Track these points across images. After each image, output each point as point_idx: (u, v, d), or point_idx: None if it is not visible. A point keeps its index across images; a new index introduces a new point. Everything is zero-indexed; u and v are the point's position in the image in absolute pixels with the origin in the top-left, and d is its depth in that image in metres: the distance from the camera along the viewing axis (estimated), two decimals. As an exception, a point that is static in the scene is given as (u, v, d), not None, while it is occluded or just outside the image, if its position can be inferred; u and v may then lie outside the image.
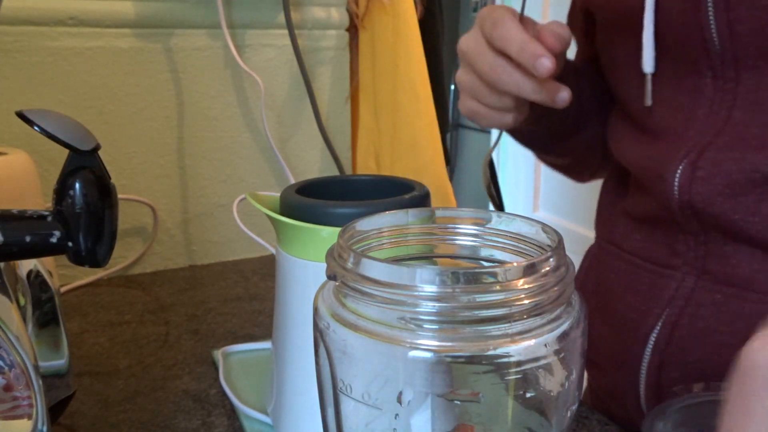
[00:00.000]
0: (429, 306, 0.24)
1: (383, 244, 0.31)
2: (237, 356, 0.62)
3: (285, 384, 0.47)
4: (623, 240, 0.52)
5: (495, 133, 2.62)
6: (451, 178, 1.27)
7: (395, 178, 0.51)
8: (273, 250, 0.71)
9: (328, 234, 0.43)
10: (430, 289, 0.24)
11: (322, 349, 0.27)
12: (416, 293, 0.24)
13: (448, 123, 2.76)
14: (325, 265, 0.43)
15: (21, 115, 0.37)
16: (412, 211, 0.32)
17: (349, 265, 0.26)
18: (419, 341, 0.24)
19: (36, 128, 0.36)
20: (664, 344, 0.46)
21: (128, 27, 0.82)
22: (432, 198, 0.47)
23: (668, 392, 0.46)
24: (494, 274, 0.24)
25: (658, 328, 0.47)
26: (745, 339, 0.42)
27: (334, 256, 0.27)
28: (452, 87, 3.47)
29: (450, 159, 2.92)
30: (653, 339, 0.47)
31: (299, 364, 0.46)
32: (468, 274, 0.24)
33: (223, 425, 0.51)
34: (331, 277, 0.27)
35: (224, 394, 0.55)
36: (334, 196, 0.46)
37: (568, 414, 0.27)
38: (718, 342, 0.44)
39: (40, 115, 0.37)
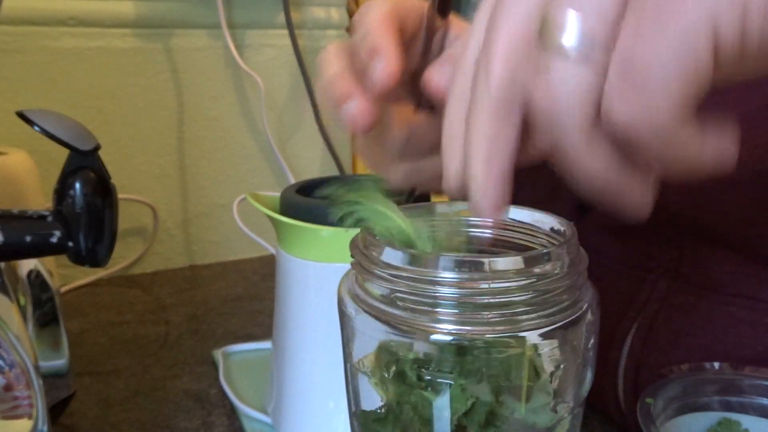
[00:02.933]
0: (449, 292, 0.25)
1: None
2: (237, 356, 0.62)
3: (285, 384, 0.47)
4: (600, 247, 0.51)
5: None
6: (451, 178, 1.27)
7: (395, 178, 0.51)
8: (273, 250, 0.71)
9: (328, 234, 0.43)
10: (450, 275, 0.25)
11: (347, 334, 0.29)
12: (437, 280, 0.25)
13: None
14: (325, 264, 0.44)
15: (21, 115, 0.37)
16: (429, 205, 0.33)
17: (373, 253, 0.27)
18: (439, 326, 0.25)
19: (36, 128, 0.36)
20: (640, 347, 0.46)
21: (128, 27, 0.82)
22: (432, 198, 0.47)
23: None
24: (510, 262, 0.25)
25: (633, 331, 0.46)
26: (717, 340, 0.43)
27: (358, 244, 0.28)
28: (452, 87, 3.48)
29: (450, 159, 2.91)
30: (629, 342, 0.47)
31: (299, 364, 0.46)
32: (485, 262, 0.25)
33: (223, 425, 0.51)
34: (355, 264, 0.28)
35: (224, 394, 0.55)
36: (334, 196, 0.46)
37: (577, 402, 0.28)
38: (692, 344, 0.44)
39: (40, 115, 0.37)
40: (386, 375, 0.27)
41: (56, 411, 0.48)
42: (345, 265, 0.44)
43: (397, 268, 0.26)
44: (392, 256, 0.26)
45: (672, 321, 0.45)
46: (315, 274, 0.44)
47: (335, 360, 0.44)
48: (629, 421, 0.48)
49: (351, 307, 0.28)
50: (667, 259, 0.45)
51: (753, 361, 0.41)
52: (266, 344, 0.61)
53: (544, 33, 0.22)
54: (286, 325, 0.47)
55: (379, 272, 0.26)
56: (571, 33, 0.22)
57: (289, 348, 0.47)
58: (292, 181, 0.92)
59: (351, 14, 0.97)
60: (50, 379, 0.46)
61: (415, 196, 0.37)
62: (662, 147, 0.22)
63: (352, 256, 0.28)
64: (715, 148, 0.23)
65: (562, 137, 0.23)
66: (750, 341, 0.42)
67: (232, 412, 0.53)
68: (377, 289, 0.27)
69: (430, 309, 0.25)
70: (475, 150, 0.25)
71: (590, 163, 0.23)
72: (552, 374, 0.27)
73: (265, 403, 0.51)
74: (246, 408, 0.52)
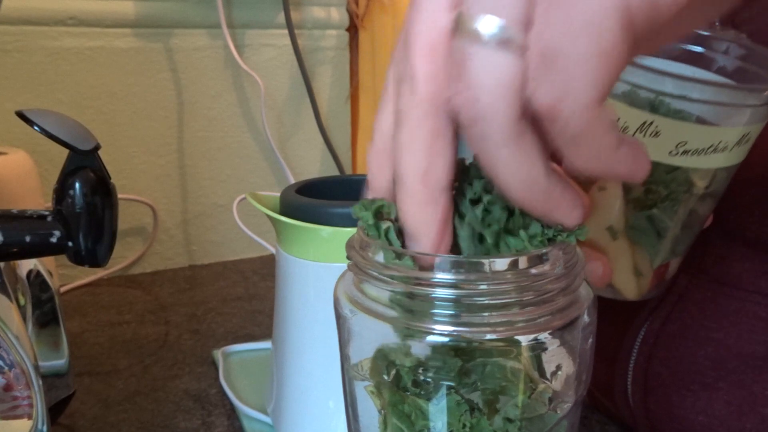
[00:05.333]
0: (445, 293, 0.25)
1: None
2: (237, 356, 0.62)
3: (285, 384, 0.47)
4: None
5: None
6: (451, 178, 1.27)
7: (395, 178, 0.51)
8: (273, 250, 0.71)
9: (328, 234, 0.43)
10: (446, 276, 0.25)
11: (343, 335, 0.29)
12: (434, 281, 0.25)
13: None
14: (325, 264, 0.44)
15: (21, 115, 0.37)
16: None
17: (369, 254, 0.27)
18: (435, 326, 0.25)
19: (36, 128, 0.36)
20: (654, 338, 0.47)
21: (128, 27, 0.82)
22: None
23: (654, 386, 0.47)
24: (508, 263, 0.25)
25: (648, 323, 0.47)
26: (730, 335, 0.43)
27: (354, 245, 0.28)
28: (452, 87, 3.48)
29: (450, 159, 2.91)
30: (642, 334, 0.47)
31: (299, 363, 0.46)
32: (482, 262, 0.25)
33: (223, 425, 0.51)
34: (351, 265, 0.28)
35: (224, 394, 0.55)
36: (334, 196, 0.46)
37: (575, 402, 0.28)
38: (704, 337, 0.45)
39: (40, 115, 0.37)
40: (385, 377, 0.27)
41: (56, 411, 0.48)
42: (345, 265, 0.44)
43: (392, 269, 0.26)
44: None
45: (687, 315, 0.46)
46: (315, 274, 0.44)
47: (335, 360, 0.44)
48: (636, 412, 0.48)
49: (347, 309, 0.28)
50: (691, 256, 0.45)
51: (762, 358, 0.42)
52: (266, 344, 0.61)
53: (460, 23, 0.21)
54: (286, 325, 0.47)
55: (375, 273, 0.26)
56: (487, 20, 0.21)
57: (289, 348, 0.47)
58: (292, 181, 0.92)
59: (351, 14, 0.97)
60: (50, 379, 0.46)
61: None
62: (581, 130, 0.21)
63: (348, 257, 0.28)
64: (628, 152, 0.23)
65: (488, 132, 0.21)
66: (762, 337, 0.42)
67: (232, 412, 0.53)
68: (374, 290, 0.27)
69: (426, 310, 0.25)
70: (408, 160, 0.23)
71: (518, 163, 0.22)
72: (549, 375, 0.27)
73: (265, 403, 0.51)
74: (246, 408, 0.52)
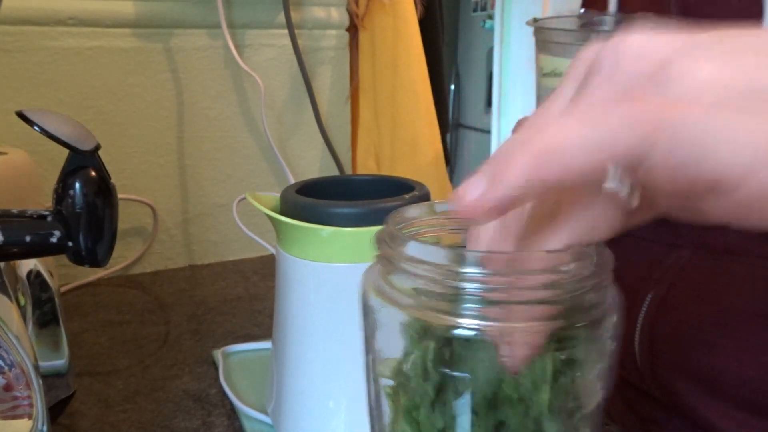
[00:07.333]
0: (473, 287, 0.25)
1: (430, 230, 0.32)
2: (237, 356, 0.62)
3: (285, 384, 0.47)
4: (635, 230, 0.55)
5: (495, 133, 2.62)
6: (451, 178, 1.27)
7: (395, 178, 0.51)
8: (273, 250, 0.71)
9: (328, 234, 0.43)
10: (474, 270, 0.25)
11: (368, 328, 0.29)
12: (461, 274, 0.25)
13: (448, 123, 2.76)
14: (324, 264, 0.44)
15: (21, 115, 0.37)
16: (429, 204, 0.33)
17: (398, 247, 0.27)
18: (463, 321, 0.25)
19: (36, 128, 0.36)
20: (658, 305, 0.49)
21: (128, 27, 0.82)
22: (432, 198, 0.47)
23: (659, 350, 0.49)
24: (536, 260, 0.26)
25: (653, 291, 0.50)
26: (735, 298, 0.45)
27: (384, 238, 0.28)
28: (452, 87, 3.48)
29: (450, 159, 2.92)
30: (648, 300, 0.50)
31: (299, 363, 0.46)
32: (508, 257, 0.25)
33: (223, 425, 0.51)
34: (380, 258, 0.28)
35: (224, 394, 0.55)
36: (334, 196, 0.46)
37: (600, 399, 0.28)
38: (709, 301, 0.47)
39: (40, 115, 0.37)
40: (406, 377, 0.27)
41: (56, 411, 0.48)
42: (345, 265, 0.44)
43: (421, 262, 0.26)
44: (417, 250, 0.26)
45: (693, 281, 0.48)
46: (315, 274, 0.44)
47: (335, 360, 0.45)
48: (644, 375, 0.50)
49: (374, 301, 0.28)
50: (695, 233, 0.49)
51: (763, 316, 0.44)
52: (266, 344, 0.61)
53: None
54: (285, 325, 0.47)
55: (403, 266, 0.26)
56: None
57: (289, 348, 0.47)
58: (292, 181, 0.92)
59: (351, 14, 0.97)
60: (50, 379, 0.46)
61: None
62: None
63: (377, 249, 0.28)
64: None
65: None
66: (763, 295, 0.44)
67: (232, 412, 0.53)
68: (401, 282, 0.27)
69: (453, 304, 0.25)
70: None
71: None
72: (573, 375, 0.27)
73: (265, 403, 0.51)
74: (246, 408, 0.52)
